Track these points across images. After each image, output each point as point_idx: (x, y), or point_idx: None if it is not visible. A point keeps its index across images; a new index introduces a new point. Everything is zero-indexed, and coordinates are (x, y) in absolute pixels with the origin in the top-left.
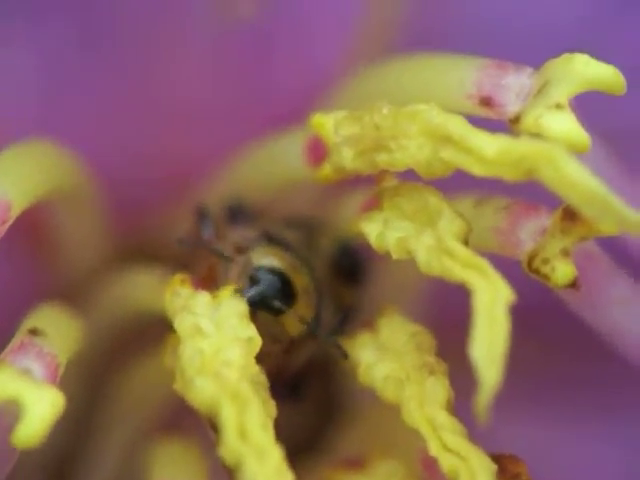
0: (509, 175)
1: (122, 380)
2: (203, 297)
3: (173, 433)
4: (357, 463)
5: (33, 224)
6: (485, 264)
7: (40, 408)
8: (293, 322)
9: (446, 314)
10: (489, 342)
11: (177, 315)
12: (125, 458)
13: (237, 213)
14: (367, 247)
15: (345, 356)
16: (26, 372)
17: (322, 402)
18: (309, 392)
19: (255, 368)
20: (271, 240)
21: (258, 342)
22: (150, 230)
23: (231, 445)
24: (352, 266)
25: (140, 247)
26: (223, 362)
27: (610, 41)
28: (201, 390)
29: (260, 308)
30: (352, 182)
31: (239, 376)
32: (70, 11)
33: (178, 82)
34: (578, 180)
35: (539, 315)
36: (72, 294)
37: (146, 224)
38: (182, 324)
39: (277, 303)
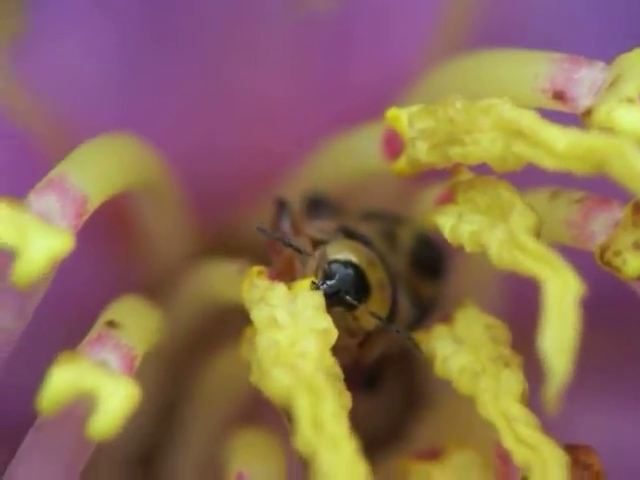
0: (580, 169)
1: (202, 372)
2: (280, 289)
3: (252, 424)
4: (433, 454)
5: (115, 217)
6: (555, 257)
7: (116, 400)
8: (366, 317)
9: (522, 307)
10: (559, 334)
11: (254, 307)
12: (207, 449)
13: (315, 207)
14: (444, 241)
15: (420, 351)
16: (103, 364)
17: (399, 394)
18: (386, 384)
19: (330, 360)
20: (348, 234)
21: (334, 334)
22: (230, 223)
23: (306, 436)
24: (431, 260)
25: (220, 240)
26: (298, 354)
27: None
28: (277, 381)
29: (334, 302)
30: (428, 175)
31: (314, 368)
32: (143, 9)
33: (257, 77)
34: None
35: (614, 307)
36: (151, 286)
37: (226, 217)
38: (259, 315)
39: (350, 298)
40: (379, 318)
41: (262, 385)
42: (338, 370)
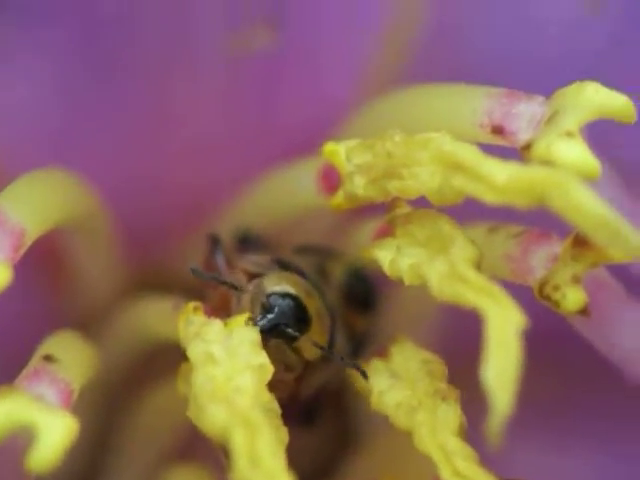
0: (520, 202)
1: (137, 407)
2: (215, 325)
3: (188, 460)
4: None
5: (47, 252)
6: (497, 290)
7: (53, 433)
8: (307, 347)
9: (458, 341)
10: (501, 367)
11: (190, 342)
12: None
13: (249, 241)
14: (379, 275)
15: (365, 375)
16: (40, 398)
17: (335, 429)
18: (322, 419)
19: (267, 395)
20: (283, 266)
21: (270, 369)
22: (164, 259)
23: (242, 472)
24: (364, 293)
25: (154, 276)
26: (235, 389)
27: (623, 72)
28: (213, 417)
29: (274, 335)
30: (365, 210)
31: (250, 403)
32: (81, 44)
33: (191, 114)
34: (588, 207)
35: (553, 342)
36: (86, 321)
37: (159, 253)
38: (194, 351)
39: (291, 330)
40: (321, 347)
41: (198, 421)
42: (275, 405)
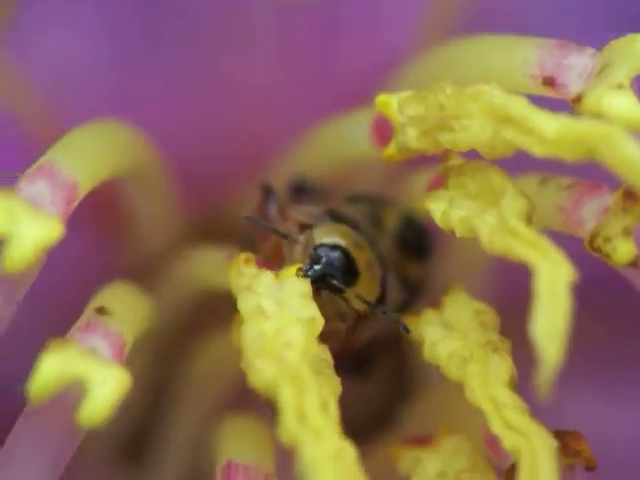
0: (569, 155)
1: (191, 358)
2: (266, 277)
3: (242, 411)
4: (423, 440)
5: (104, 203)
6: (547, 243)
7: (105, 387)
8: (355, 300)
9: (511, 292)
10: (550, 320)
11: (241, 295)
12: (196, 435)
13: (302, 191)
14: (433, 225)
15: (408, 331)
16: (92, 351)
17: (389, 379)
18: (375, 370)
19: (317, 348)
20: (335, 217)
21: (320, 322)
22: (219, 209)
23: (290, 427)
24: (418, 242)
25: (209, 226)
26: (284, 344)
27: None
28: (261, 372)
29: (321, 286)
30: (418, 161)
31: (299, 358)
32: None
33: (246, 63)
34: (637, 160)
35: (604, 292)
36: (141, 273)
37: (215, 203)
38: (245, 304)
39: (337, 282)
40: (366, 302)
41: (249, 374)
42: (328, 356)
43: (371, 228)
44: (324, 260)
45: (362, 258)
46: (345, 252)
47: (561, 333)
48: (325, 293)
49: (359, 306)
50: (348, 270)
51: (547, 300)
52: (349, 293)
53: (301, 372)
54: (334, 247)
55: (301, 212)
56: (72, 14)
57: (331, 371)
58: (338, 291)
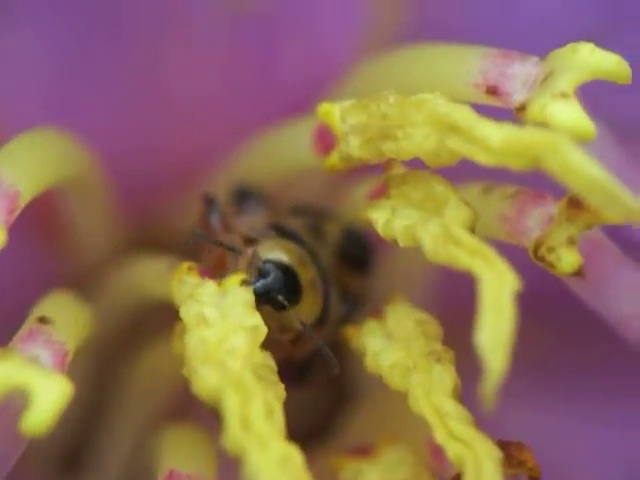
0: (514, 164)
1: (132, 367)
2: (209, 286)
3: (183, 420)
4: (365, 450)
5: (43, 213)
6: (491, 252)
7: (48, 396)
8: (295, 319)
9: (453, 302)
10: (494, 330)
11: (183, 303)
12: (135, 445)
13: (243, 200)
14: (374, 235)
15: (336, 369)
16: (34, 360)
17: (330, 389)
18: (317, 379)
19: (260, 356)
20: (279, 231)
21: (263, 330)
22: (159, 219)
23: (234, 435)
24: (360, 254)
25: (150, 236)
26: (227, 351)
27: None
28: (205, 379)
29: (264, 302)
30: (360, 171)
31: (243, 365)
32: (74, 5)
33: (186, 73)
34: (582, 169)
35: (548, 302)
36: (81, 282)
37: (155, 213)
38: (188, 312)
39: (281, 299)
40: (304, 326)
41: (192, 382)
42: (271, 362)
43: (313, 241)
44: (272, 275)
45: (306, 276)
46: (291, 270)
47: (506, 342)
48: (266, 307)
49: (298, 326)
50: (293, 288)
51: (491, 309)
52: (290, 312)
53: (244, 379)
54: (281, 264)
55: (245, 224)
56: (13, 23)
57: (275, 377)
58: (280, 308)
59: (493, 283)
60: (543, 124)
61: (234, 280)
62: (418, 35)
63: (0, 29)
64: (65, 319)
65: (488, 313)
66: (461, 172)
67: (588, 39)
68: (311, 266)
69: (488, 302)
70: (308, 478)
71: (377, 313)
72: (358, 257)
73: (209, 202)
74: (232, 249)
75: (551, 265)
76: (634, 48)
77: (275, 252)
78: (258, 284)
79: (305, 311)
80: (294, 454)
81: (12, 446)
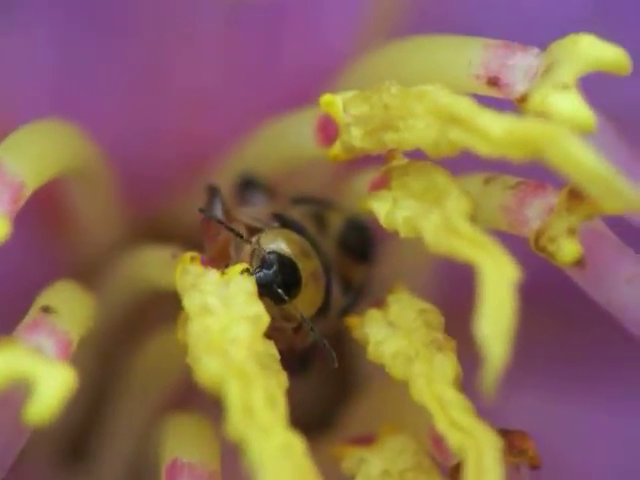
0: (515, 155)
1: (136, 356)
2: (212, 275)
3: (187, 409)
4: (368, 439)
5: (48, 203)
6: (491, 242)
7: (51, 385)
8: (294, 311)
9: (455, 291)
10: (495, 320)
11: (186, 293)
12: (139, 434)
13: (247, 190)
14: (377, 225)
15: (333, 362)
16: (38, 349)
17: (332, 378)
18: (320, 369)
19: (263, 345)
20: (282, 221)
21: (266, 320)
22: (164, 209)
23: (236, 423)
24: (362, 244)
25: (153, 225)
26: (230, 340)
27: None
28: (207, 368)
29: (264, 293)
30: (363, 161)
31: (245, 354)
32: None
33: (191, 62)
34: (582, 160)
35: (549, 291)
36: (85, 272)
37: (159, 203)
38: (190, 302)
39: (280, 292)
40: (303, 319)
41: (195, 371)
42: (274, 350)
43: (316, 231)
44: (274, 267)
45: (308, 268)
46: (292, 263)
47: (506, 332)
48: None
49: (297, 317)
50: (293, 282)
51: (492, 299)
52: (290, 303)
53: (247, 368)
54: (283, 255)
55: (248, 214)
56: (15, 14)
57: (277, 366)
58: (280, 301)
59: (493, 273)
60: (544, 115)
61: (236, 269)
62: (419, 26)
63: (2, 24)
64: (69, 309)
65: (488, 303)
66: (462, 163)
67: (587, 28)
68: (313, 256)
69: (488, 292)
70: (310, 466)
71: (379, 302)
72: (360, 248)
73: (212, 193)
74: (239, 234)
75: (552, 255)
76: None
77: (277, 242)
78: (260, 274)
79: (307, 302)
80: (296, 442)
81: (15, 436)
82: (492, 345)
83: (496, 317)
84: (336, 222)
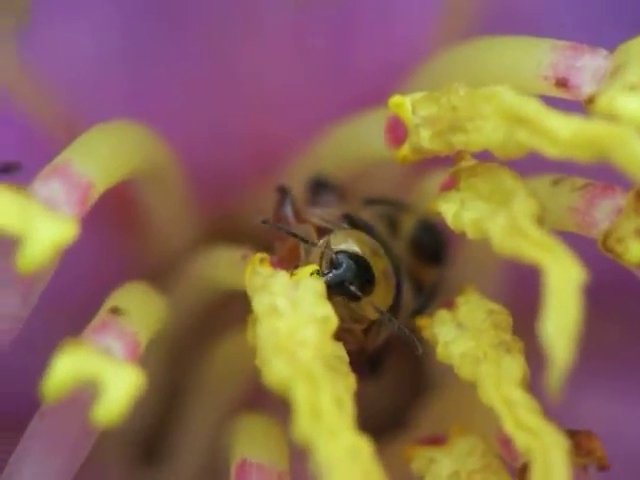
0: (582, 156)
1: (205, 358)
2: (281, 276)
3: (256, 410)
4: (437, 440)
5: (118, 204)
6: (557, 244)
7: (119, 387)
8: (369, 308)
9: (524, 293)
10: (560, 321)
11: (256, 294)
12: (211, 434)
13: (318, 192)
14: (446, 226)
15: (417, 347)
16: (106, 351)
17: (402, 380)
18: (389, 370)
19: (331, 347)
20: (352, 222)
21: (334, 321)
22: (235, 210)
23: (304, 425)
24: (434, 247)
25: (224, 226)
26: (298, 342)
27: None
28: (276, 370)
29: (337, 292)
30: (432, 162)
31: (313, 356)
32: None
33: (261, 62)
34: None
35: (617, 294)
36: (155, 273)
37: (231, 204)
38: (259, 303)
39: (354, 289)
40: (381, 312)
41: (263, 373)
42: (342, 352)
43: (387, 233)
44: (344, 266)
45: (379, 266)
46: (362, 260)
47: (571, 333)
48: (338, 298)
49: (372, 315)
50: (364, 278)
51: (557, 301)
52: (363, 301)
53: (315, 370)
54: (354, 254)
55: (318, 215)
56: (85, 12)
57: (346, 368)
58: (354, 298)
59: (559, 275)
60: (611, 117)
61: (306, 271)
62: (490, 26)
63: (76, 14)
64: (138, 310)
65: (554, 304)
66: (530, 164)
67: None
68: (384, 257)
69: (554, 294)
70: (377, 469)
71: (449, 303)
72: (433, 250)
73: (283, 194)
74: (306, 240)
75: (619, 256)
76: None
77: (348, 243)
78: (330, 275)
79: (378, 301)
80: (364, 445)
81: (84, 437)
82: (557, 346)
83: (561, 318)
84: (408, 224)
